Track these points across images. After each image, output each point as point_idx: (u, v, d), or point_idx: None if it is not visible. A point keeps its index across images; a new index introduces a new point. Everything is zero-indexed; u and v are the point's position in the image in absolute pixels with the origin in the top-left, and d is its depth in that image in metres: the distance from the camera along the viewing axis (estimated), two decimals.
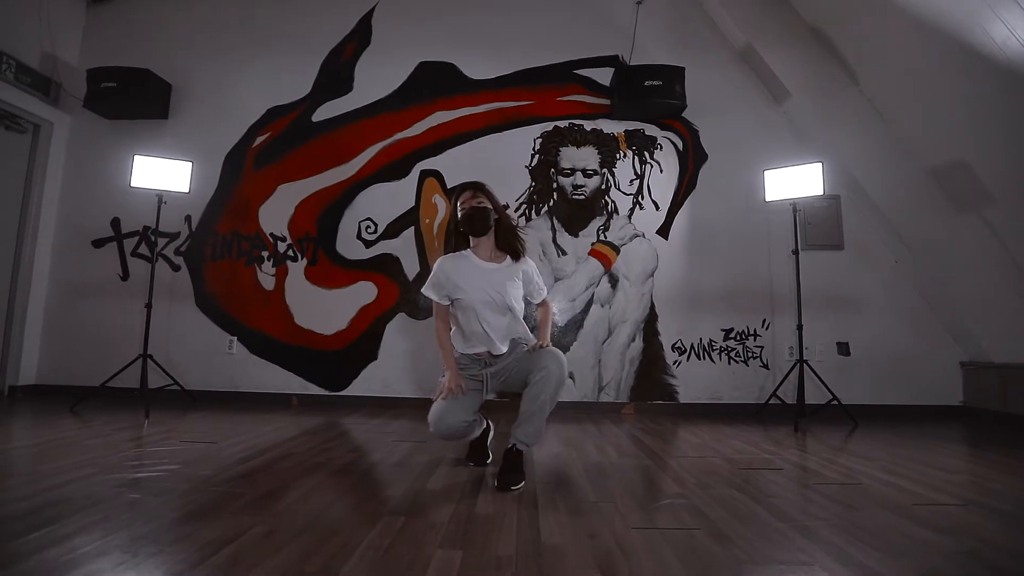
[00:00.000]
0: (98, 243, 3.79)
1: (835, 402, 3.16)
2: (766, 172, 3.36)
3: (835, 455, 2.32)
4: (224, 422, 2.88)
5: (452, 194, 2.01)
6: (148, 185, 3.27)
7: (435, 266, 1.95)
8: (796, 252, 3.27)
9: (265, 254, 3.71)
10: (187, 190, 3.38)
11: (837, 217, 3.61)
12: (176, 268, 3.73)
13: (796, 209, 3.28)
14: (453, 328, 1.99)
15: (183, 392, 3.49)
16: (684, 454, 2.32)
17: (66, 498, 1.51)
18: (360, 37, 3.90)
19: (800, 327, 3.20)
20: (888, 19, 3.07)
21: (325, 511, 1.47)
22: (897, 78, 3.32)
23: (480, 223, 1.90)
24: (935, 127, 3.26)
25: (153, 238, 3.40)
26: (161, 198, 3.34)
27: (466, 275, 1.89)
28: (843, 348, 3.53)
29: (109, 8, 4.05)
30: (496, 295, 1.87)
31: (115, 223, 3.80)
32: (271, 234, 3.73)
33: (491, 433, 2.10)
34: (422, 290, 1.97)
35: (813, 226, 3.63)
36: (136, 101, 3.69)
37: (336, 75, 3.86)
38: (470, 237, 1.95)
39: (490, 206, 1.93)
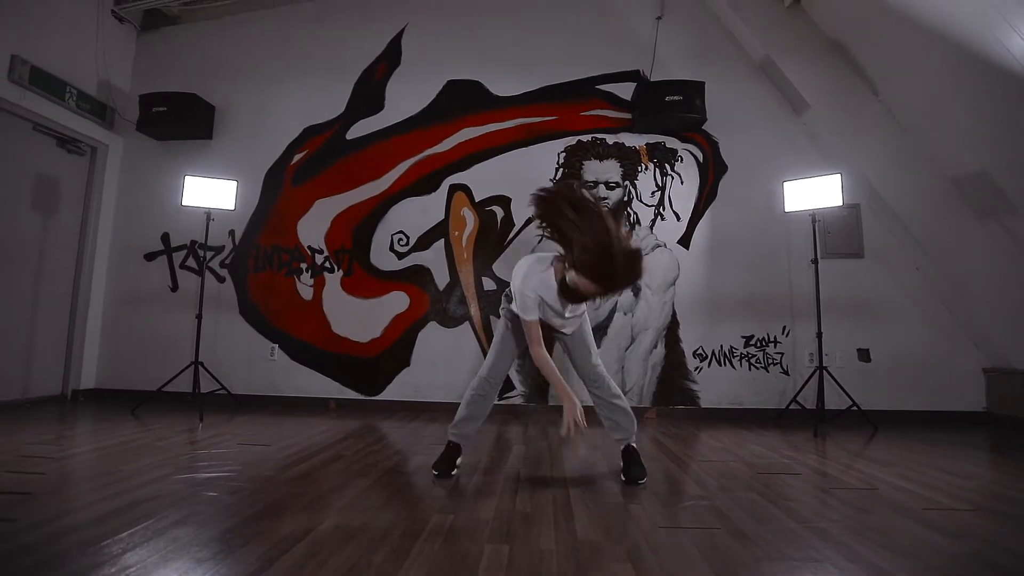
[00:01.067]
0: (150, 256, 4.06)
1: (855, 408, 3.23)
2: (785, 183, 3.45)
3: (853, 460, 2.41)
4: (272, 425, 3.09)
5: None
6: (197, 203, 3.52)
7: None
8: (815, 261, 3.35)
9: (304, 266, 3.94)
10: (232, 207, 3.62)
11: (857, 226, 3.67)
12: (221, 280, 3.98)
13: (815, 219, 3.36)
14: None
15: (230, 396, 3.73)
16: (706, 458, 2.44)
17: (155, 496, 1.71)
18: (390, 58, 4.10)
19: (820, 334, 3.28)
20: (907, 31, 3.14)
21: (382, 508, 1.64)
22: (917, 89, 3.37)
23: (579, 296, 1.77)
24: (955, 137, 3.30)
25: (202, 253, 3.65)
26: (209, 215, 3.58)
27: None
28: (863, 354, 3.60)
29: (157, 35, 4.33)
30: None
31: (165, 238, 4.07)
32: (309, 247, 3.95)
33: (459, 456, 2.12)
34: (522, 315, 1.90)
35: (833, 235, 3.70)
36: (183, 123, 3.95)
37: (368, 95, 4.07)
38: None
39: (539, 219, 1.72)
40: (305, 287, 3.93)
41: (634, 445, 2.11)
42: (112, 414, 3.31)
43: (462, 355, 3.75)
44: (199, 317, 3.52)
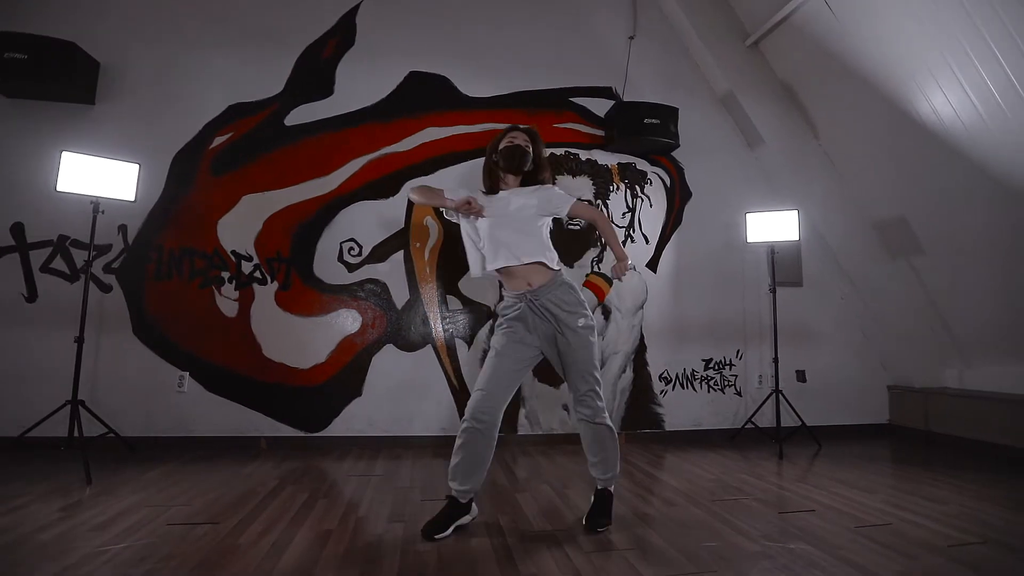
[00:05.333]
0: None
1: (802, 426, 3.49)
2: (748, 215, 3.62)
3: (851, 491, 2.54)
4: (191, 481, 2.44)
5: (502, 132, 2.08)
6: (79, 189, 2.67)
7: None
8: (773, 290, 3.56)
9: (226, 275, 3.22)
10: (133, 198, 2.82)
11: (797, 257, 3.98)
12: (107, 289, 3.09)
13: (774, 251, 3.57)
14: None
15: (118, 440, 2.90)
16: (718, 496, 2.39)
17: None
18: (342, 35, 3.53)
19: (776, 359, 3.49)
20: (845, 81, 3.45)
21: None
22: (850, 136, 3.74)
23: (517, 162, 2.00)
24: (879, 183, 3.72)
25: (92, 254, 2.76)
26: (97, 206, 2.74)
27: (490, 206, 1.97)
28: (800, 375, 3.91)
29: None
30: (513, 210, 1.95)
31: (16, 229, 3.06)
32: (233, 252, 3.24)
33: (470, 516, 1.95)
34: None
35: (778, 265, 3.96)
36: (52, 79, 2.98)
37: (314, 75, 3.45)
38: (500, 174, 2.04)
39: (531, 153, 2.02)
40: (227, 301, 3.21)
41: (611, 489, 2.03)
42: None
43: (424, 382, 3.35)
44: (80, 340, 2.67)
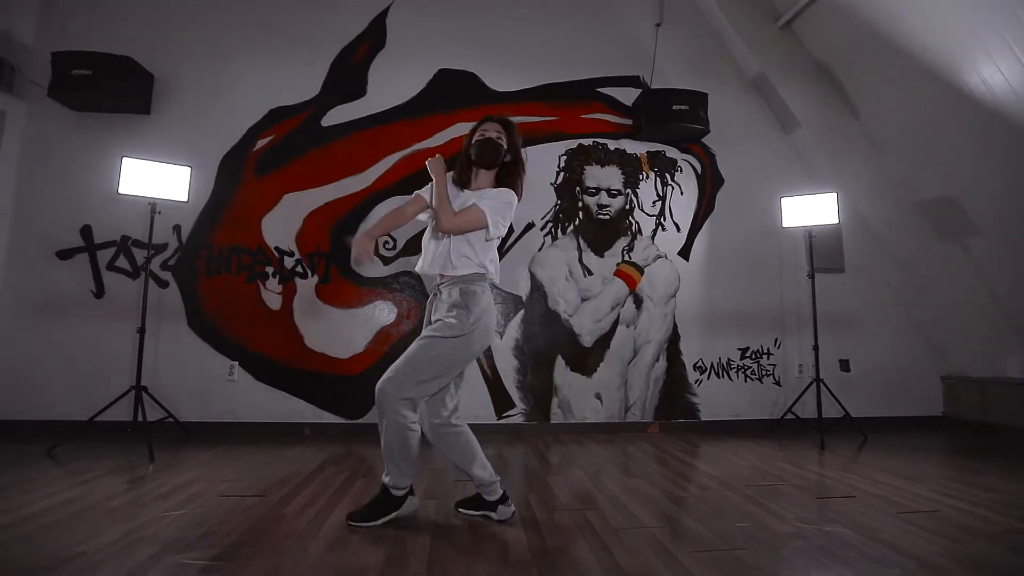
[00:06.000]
0: (64, 254, 3.29)
1: (846, 417, 3.36)
2: (783, 199, 3.52)
3: (909, 483, 2.45)
4: (241, 461, 2.60)
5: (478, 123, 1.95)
6: (138, 192, 2.89)
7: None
8: (812, 276, 3.45)
9: (270, 270, 3.39)
10: (186, 199, 3.02)
11: (839, 242, 3.84)
12: (164, 285, 3.32)
13: (812, 235, 3.46)
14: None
15: (177, 425, 3.12)
16: (752, 483, 2.35)
17: None
18: (374, 38, 3.66)
19: (816, 347, 3.38)
20: (888, 58, 3.31)
21: None
22: (893, 115, 3.58)
23: (489, 156, 1.87)
24: (926, 163, 3.55)
25: (151, 252, 2.98)
26: (154, 207, 2.95)
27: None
28: (844, 365, 3.78)
29: None
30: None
31: (86, 231, 3.32)
32: (276, 248, 3.42)
33: (399, 511, 1.81)
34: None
35: (817, 250, 3.84)
36: (114, 92, 3.23)
37: (348, 77, 3.60)
38: (472, 169, 1.91)
39: (505, 145, 1.90)
40: (272, 295, 3.39)
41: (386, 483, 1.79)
42: (20, 456, 2.61)
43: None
44: (142, 332, 2.88)
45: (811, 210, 3.44)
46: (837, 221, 3.38)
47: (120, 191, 2.84)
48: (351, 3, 3.66)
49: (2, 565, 1.43)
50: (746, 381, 3.69)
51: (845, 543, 1.64)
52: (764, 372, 3.71)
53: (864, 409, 3.58)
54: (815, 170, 3.87)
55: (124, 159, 2.87)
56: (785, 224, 3.51)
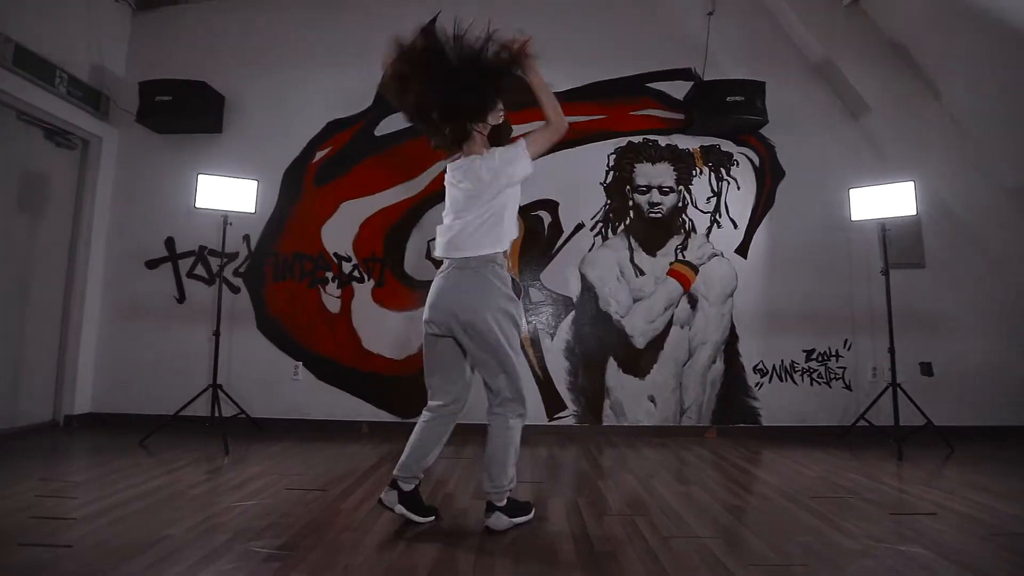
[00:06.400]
0: (152, 264, 3.63)
1: (929, 426, 3.09)
2: (851, 191, 3.29)
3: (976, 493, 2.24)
4: (306, 456, 2.76)
5: None
6: (212, 205, 3.12)
7: None
8: (886, 272, 3.20)
9: (329, 275, 3.58)
10: (253, 210, 3.23)
11: (918, 235, 3.54)
12: (236, 290, 3.58)
13: (886, 229, 3.21)
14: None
15: (249, 420, 3.35)
16: (817, 495, 2.22)
17: None
18: None
19: (892, 349, 3.13)
20: (972, 32, 3.01)
21: None
22: (980, 93, 3.25)
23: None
24: (1021, 144, 3.19)
25: (219, 261, 3.24)
26: (226, 219, 3.19)
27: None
28: (926, 368, 3.47)
29: (155, 15, 3.88)
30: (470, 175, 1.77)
31: (169, 243, 3.64)
32: (335, 254, 3.59)
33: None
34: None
35: (892, 244, 3.55)
36: (191, 115, 3.53)
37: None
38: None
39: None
40: (331, 298, 3.56)
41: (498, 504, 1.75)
42: (117, 446, 2.91)
43: None
44: (217, 334, 3.12)
45: (884, 201, 3.18)
46: (915, 212, 3.11)
47: (196, 205, 3.09)
48: (398, 16, 3.76)
49: (103, 543, 1.60)
50: (812, 385, 3.47)
51: (923, 565, 1.51)
52: (833, 375, 3.48)
53: (949, 417, 3.27)
54: (888, 158, 3.58)
55: (199, 176, 3.11)
56: (855, 217, 3.27)
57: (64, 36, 3.34)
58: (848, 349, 3.50)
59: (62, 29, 3.33)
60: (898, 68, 3.49)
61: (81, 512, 1.86)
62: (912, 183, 3.11)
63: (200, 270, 3.62)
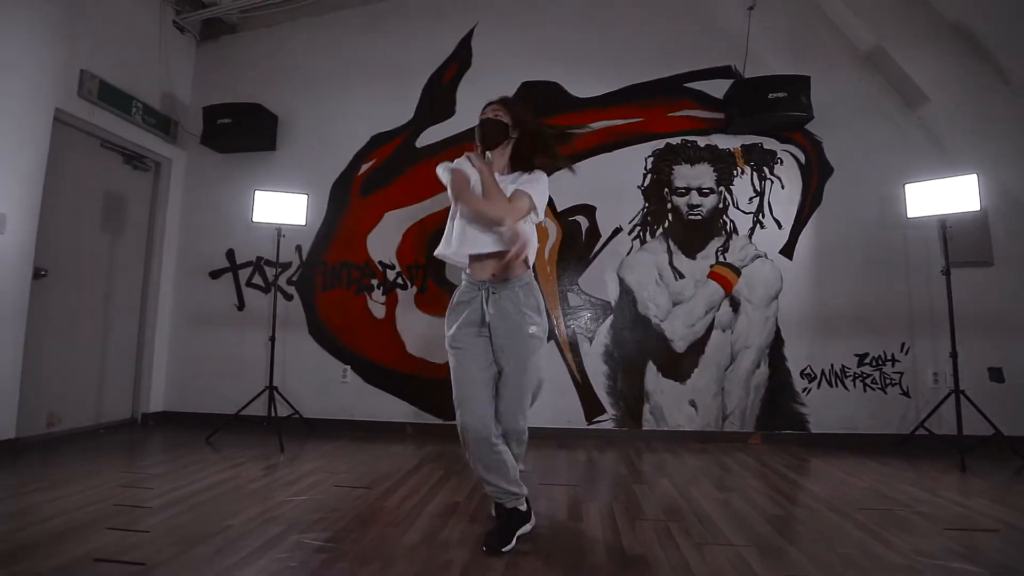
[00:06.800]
0: (215, 274, 3.92)
1: (999, 436, 2.88)
2: (907, 186, 3.12)
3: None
4: (354, 456, 2.91)
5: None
6: (268, 219, 3.35)
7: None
8: (947, 272, 3.01)
9: (375, 282, 3.74)
10: (303, 222, 3.44)
11: (984, 231, 3.31)
12: (289, 298, 3.81)
13: (946, 225, 3.02)
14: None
15: (302, 420, 3.56)
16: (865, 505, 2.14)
17: (285, 568, 1.50)
18: (460, 60, 3.88)
19: (954, 354, 2.94)
20: None
21: None
22: None
23: (492, 135, 1.84)
24: None
25: (274, 271, 3.48)
26: (280, 231, 3.41)
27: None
28: (996, 374, 3.24)
29: (216, 45, 4.20)
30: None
31: (230, 254, 3.92)
32: (380, 262, 3.76)
33: (528, 524, 1.78)
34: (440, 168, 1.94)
35: (955, 241, 3.33)
36: (248, 135, 3.80)
37: (438, 99, 3.85)
38: (486, 154, 1.89)
39: (508, 121, 1.85)
40: (377, 305, 3.73)
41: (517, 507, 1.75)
42: (186, 442, 3.17)
43: (548, 376, 3.49)
44: (272, 339, 3.34)
45: (944, 196, 3.00)
46: (978, 208, 2.91)
47: (253, 220, 3.32)
48: (438, 30, 3.92)
49: (175, 530, 1.77)
50: (865, 391, 3.31)
51: None
52: (889, 381, 3.31)
53: (1022, 427, 3.04)
54: (949, 150, 3.37)
55: (256, 192, 3.35)
56: (911, 214, 3.10)
57: (139, 69, 3.68)
58: (906, 353, 3.31)
59: (137, 63, 3.67)
60: (960, 53, 3.27)
61: (157, 502, 2.07)
62: (975, 176, 2.92)
63: (257, 279, 3.88)
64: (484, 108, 1.90)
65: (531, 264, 1.86)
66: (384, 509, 2.05)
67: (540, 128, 1.90)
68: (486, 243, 1.78)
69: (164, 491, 2.21)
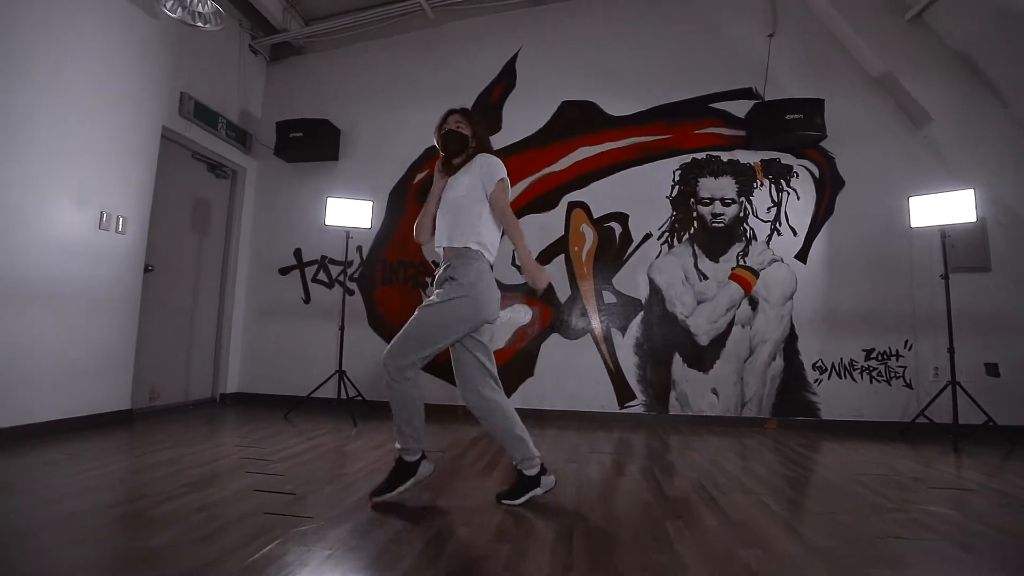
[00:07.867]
0: (284, 271, 4.39)
1: (990, 423, 3.24)
2: (911, 199, 3.48)
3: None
4: None
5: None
6: (338, 223, 3.80)
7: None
8: (945, 277, 3.37)
9: (428, 279, 4.18)
10: (369, 226, 3.88)
11: (983, 239, 3.65)
12: (351, 293, 4.27)
13: (945, 235, 3.38)
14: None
15: (364, 401, 4.00)
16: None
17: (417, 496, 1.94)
18: (506, 81, 4.30)
19: (951, 350, 3.30)
20: None
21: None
22: None
23: (455, 146, 2.00)
24: None
25: (343, 270, 3.94)
26: (348, 234, 3.86)
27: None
28: (991, 369, 3.58)
29: (284, 65, 4.67)
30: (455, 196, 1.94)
31: (297, 253, 4.39)
32: (433, 261, 4.20)
33: (415, 476, 1.93)
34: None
35: (957, 248, 3.69)
36: (316, 147, 4.26)
37: (486, 116, 4.28)
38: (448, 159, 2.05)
39: (468, 133, 2.01)
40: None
41: (528, 473, 1.92)
42: (266, 417, 3.62)
43: (585, 366, 3.92)
44: (342, 328, 3.80)
45: (944, 208, 3.36)
46: (974, 219, 3.27)
47: (326, 223, 3.78)
48: (485, 52, 4.35)
49: (301, 475, 2.21)
50: (872, 383, 3.68)
51: (944, 519, 1.82)
52: (893, 374, 3.67)
53: (1014, 418, 3.38)
54: (951, 165, 3.72)
55: (328, 199, 3.80)
56: (914, 224, 3.47)
57: (222, 89, 4.16)
58: (909, 349, 3.67)
59: (221, 83, 4.15)
60: (961, 78, 3.63)
61: (275, 456, 2.52)
62: (972, 191, 3.28)
63: (322, 276, 4.34)
64: (446, 117, 2.03)
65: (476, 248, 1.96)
66: (463, 465, 2.48)
67: (487, 148, 2.07)
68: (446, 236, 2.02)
69: (275, 450, 2.66)
